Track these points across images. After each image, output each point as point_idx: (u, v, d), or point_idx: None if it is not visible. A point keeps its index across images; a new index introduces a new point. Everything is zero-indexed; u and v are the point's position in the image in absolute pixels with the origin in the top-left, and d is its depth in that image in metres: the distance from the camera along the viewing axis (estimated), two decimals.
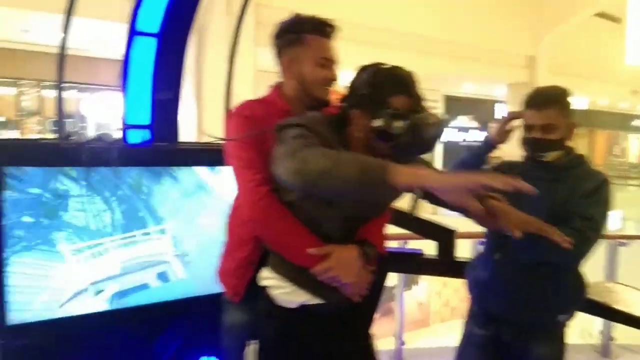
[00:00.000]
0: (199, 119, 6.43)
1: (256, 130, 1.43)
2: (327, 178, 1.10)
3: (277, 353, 1.42)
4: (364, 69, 1.35)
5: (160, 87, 2.07)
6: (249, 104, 1.56)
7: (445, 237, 2.41)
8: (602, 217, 1.63)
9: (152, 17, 2.01)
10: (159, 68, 2.05)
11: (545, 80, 10.04)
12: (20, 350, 1.82)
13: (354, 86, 1.35)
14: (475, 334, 1.79)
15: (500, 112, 12.64)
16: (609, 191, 1.65)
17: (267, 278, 1.44)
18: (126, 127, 2.02)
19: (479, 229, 1.85)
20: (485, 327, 1.76)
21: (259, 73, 6.52)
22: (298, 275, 1.38)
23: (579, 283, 1.78)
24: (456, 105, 13.90)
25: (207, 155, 2.18)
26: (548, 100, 1.67)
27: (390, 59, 1.36)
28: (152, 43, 2.03)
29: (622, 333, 3.88)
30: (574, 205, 1.62)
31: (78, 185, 1.88)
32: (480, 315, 1.79)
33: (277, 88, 1.59)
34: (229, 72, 2.50)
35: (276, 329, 1.42)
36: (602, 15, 11.06)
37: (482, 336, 1.77)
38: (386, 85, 1.29)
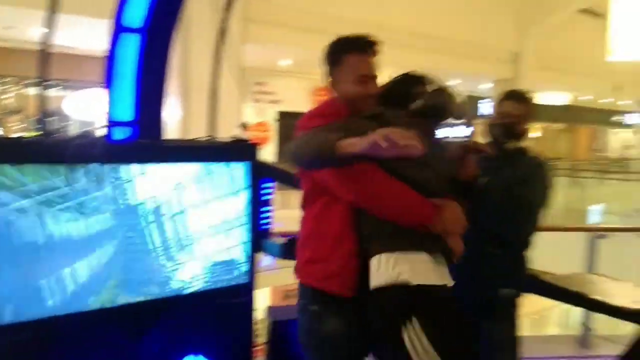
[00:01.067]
0: (184, 117, 6.40)
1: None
2: (299, 156, 1.49)
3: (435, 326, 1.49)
4: (389, 81, 1.73)
5: (144, 84, 2.07)
6: (320, 108, 1.72)
7: None
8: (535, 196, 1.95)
9: (137, 13, 2.01)
10: (143, 65, 2.06)
11: (529, 76, 10.14)
12: (8, 348, 1.82)
13: (385, 92, 1.69)
14: None
15: (485, 108, 12.77)
16: (543, 174, 2.00)
17: (397, 266, 1.49)
18: (111, 124, 2.02)
19: None
20: None
21: (245, 70, 6.49)
22: (417, 241, 1.52)
23: (519, 263, 2.05)
24: None
25: (193, 151, 2.20)
26: (525, 97, 2.04)
27: None
28: (137, 39, 2.03)
29: (601, 324, 3.97)
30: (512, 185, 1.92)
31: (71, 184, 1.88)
32: None
33: (334, 98, 1.68)
34: (214, 70, 2.51)
35: (425, 315, 1.48)
36: (585, 11, 11.17)
37: None
38: (407, 82, 1.67)
